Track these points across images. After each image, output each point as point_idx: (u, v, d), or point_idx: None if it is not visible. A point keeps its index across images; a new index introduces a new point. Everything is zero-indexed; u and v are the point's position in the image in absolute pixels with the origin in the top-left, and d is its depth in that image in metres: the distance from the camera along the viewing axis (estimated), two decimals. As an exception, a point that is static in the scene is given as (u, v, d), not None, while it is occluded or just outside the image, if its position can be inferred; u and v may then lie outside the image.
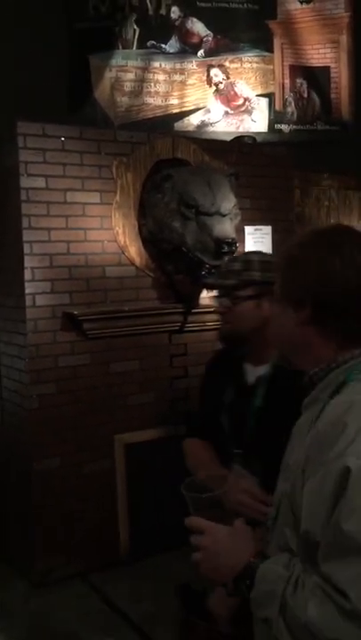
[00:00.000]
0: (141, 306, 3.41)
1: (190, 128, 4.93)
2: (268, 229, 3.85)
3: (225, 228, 3.20)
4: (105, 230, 3.32)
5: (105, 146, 3.31)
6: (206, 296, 3.54)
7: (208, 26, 4.92)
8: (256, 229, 3.79)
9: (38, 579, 3.24)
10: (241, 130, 5.00)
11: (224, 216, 3.24)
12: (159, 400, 3.53)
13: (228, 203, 3.27)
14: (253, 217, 3.79)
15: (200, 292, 3.45)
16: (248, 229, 3.77)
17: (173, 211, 3.23)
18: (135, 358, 3.45)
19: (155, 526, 3.52)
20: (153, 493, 3.51)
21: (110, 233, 3.33)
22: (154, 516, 3.51)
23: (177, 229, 3.23)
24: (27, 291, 3.13)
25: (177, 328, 3.53)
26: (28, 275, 3.12)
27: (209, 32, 4.93)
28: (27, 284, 3.12)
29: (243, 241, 3.75)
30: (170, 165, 3.43)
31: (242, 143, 4.05)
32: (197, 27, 4.91)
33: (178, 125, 4.90)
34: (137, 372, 3.46)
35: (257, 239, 3.80)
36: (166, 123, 4.83)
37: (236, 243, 3.20)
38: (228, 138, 4.53)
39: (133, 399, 3.45)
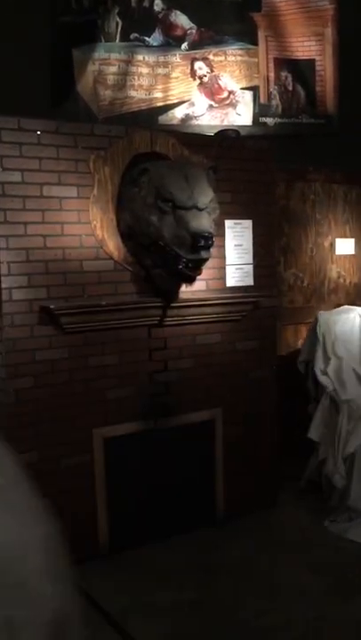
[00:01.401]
0: (120, 300, 3.41)
1: (174, 121, 4.93)
2: (248, 223, 3.84)
3: (202, 222, 3.20)
4: (82, 224, 3.31)
5: (82, 140, 3.29)
6: (186, 290, 3.55)
7: (192, 18, 4.91)
8: (236, 223, 3.79)
9: (17, 572, 3.24)
10: (225, 123, 5.00)
11: (201, 210, 3.23)
12: (138, 394, 3.54)
13: (206, 197, 3.27)
14: (234, 211, 3.79)
15: (179, 286, 3.45)
16: (228, 223, 3.77)
17: (150, 205, 3.23)
18: (114, 352, 3.45)
19: (133, 520, 3.54)
20: (132, 487, 3.52)
21: (88, 227, 3.33)
22: (133, 510, 3.53)
23: (154, 223, 3.22)
24: (3, 285, 3.12)
25: (156, 322, 3.53)
26: (4, 269, 3.12)
27: (193, 25, 4.92)
28: (3, 279, 3.12)
29: (223, 235, 3.75)
30: (148, 159, 3.42)
31: (222, 137, 4.03)
32: (181, 19, 4.90)
33: (162, 119, 4.90)
34: (116, 366, 3.46)
35: (237, 233, 3.80)
36: (150, 116, 4.83)
37: (212, 237, 3.20)
38: (213, 131, 4.53)
39: (112, 393, 3.46)
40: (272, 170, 3.97)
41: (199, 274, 3.33)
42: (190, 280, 3.36)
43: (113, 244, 3.39)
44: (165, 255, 3.24)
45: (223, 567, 3.36)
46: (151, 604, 3.05)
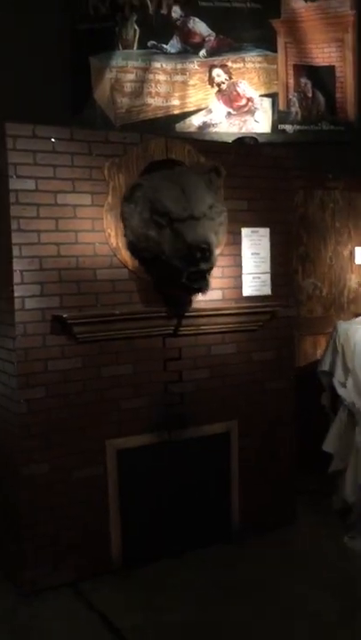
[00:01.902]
0: (134, 309, 3.36)
1: (192, 129, 4.89)
2: (265, 231, 3.77)
3: (198, 232, 3.10)
4: (96, 232, 3.27)
5: (96, 147, 3.25)
6: (201, 299, 3.49)
7: (210, 25, 4.88)
8: (253, 231, 3.72)
9: (28, 587, 3.19)
10: (244, 131, 4.95)
11: (198, 219, 3.14)
12: (153, 405, 3.47)
13: (202, 204, 3.18)
14: (251, 218, 3.72)
15: (188, 297, 3.38)
16: (245, 231, 3.70)
17: (147, 220, 3.18)
18: (128, 362, 3.39)
19: (147, 534, 3.46)
20: (146, 500, 3.45)
21: (102, 235, 3.28)
22: (146, 525, 3.46)
23: (153, 238, 3.17)
24: (16, 294, 3.08)
25: (171, 332, 3.47)
26: (17, 277, 3.08)
27: (211, 32, 4.89)
28: (16, 287, 3.08)
29: (239, 243, 3.68)
30: (163, 166, 3.37)
31: (239, 144, 3.97)
32: (199, 26, 4.87)
33: (179, 126, 4.86)
34: (129, 376, 3.40)
35: (254, 241, 3.73)
36: (167, 124, 4.80)
37: (210, 247, 3.09)
38: (231, 139, 4.47)
39: (126, 404, 3.40)
40: (290, 177, 3.90)
41: (206, 285, 3.22)
42: (197, 292, 3.30)
43: (127, 253, 3.34)
44: (168, 268, 3.18)
45: (238, 585, 3.27)
46: (162, 623, 2.96)
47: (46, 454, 3.19)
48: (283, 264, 3.86)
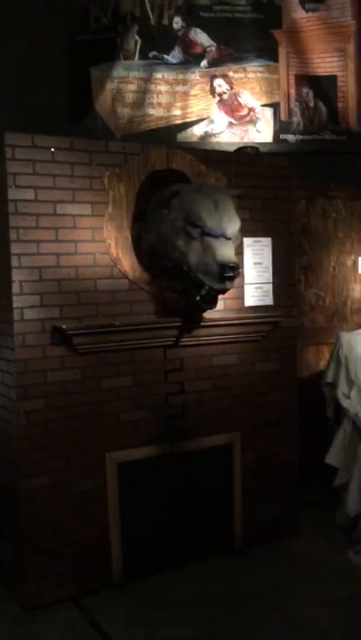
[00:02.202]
0: (134, 320, 3.32)
1: (193, 139, 4.88)
2: (267, 241, 3.74)
3: (229, 251, 3.13)
4: (96, 243, 3.24)
5: (96, 157, 3.23)
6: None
7: (211, 36, 4.87)
8: (255, 241, 3.69)
9: (29, 602, 3.14)
10: (245, 140, 4.94)
11: (229, 239, 3.16)
12: (154, 417, 3.43)
13: (234, 226, 3.20)
14: (253, 228, 3.69)
15: (197, 312, 3.35)
16: (247, 241, 3.67)
17: (179, 228, 3.16)
18: (128, 374, 3.35)
19: (148, 548, 3.41)
20: (147, 514, 3.40)
21: (102, 245, 3.26)
22: (147, 538, 3.41)
23: (180, 248, 3.15)
24: (15, 304, 3.06)
25: (172, 343, 3.43)
26: (16, 288, 3.06)
27: (212, 42, 4.88)
28: (15, 298, 3.06)
29: (241, 253, 3.65)
30: (164, 177, 3.35)
31: (241, 153, 3.95)
32: (200, 37, 4.87)
33: (180, 136, 4.85)
34: (130, 387, 3.36)
35: (256, 251, 3.70)
36: (169, 134, 4.78)
37: (239, 267, 3.12)
38: (232, 149, 4.45)
39: (126, 416, 3.35)
40: (292, 187, 3.87)
41: (213, 307, 3.26)
42: (202, 312, 3.28)
43: (128, 263, 3.31)
44: (188, 280, 3.16)
45: (240, 600, 3.21)
46: (163, 638, 2.91)
47: (46, 467, 3.15)
48: (285, 274, 3.83)
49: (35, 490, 3.12)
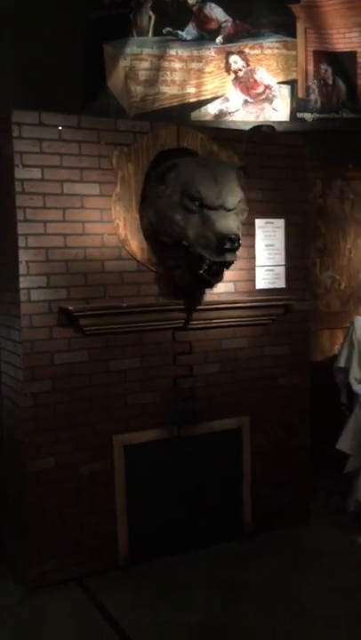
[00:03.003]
0: (142, 302, 3.28)
1: (208, 117, 4.78)
2: (280, 222, 3.65)
3: (229, 223, 3.05)
4: (104, 223, 3.19)
5: (105, 135, 3.17)
6: (213, 292, 3.40)
7: (227, 11, 4.75)
8: (267, 222, 3.61)
9: (34, 582, 3.15)
10: (261, 119, 4.83)
11: (229, 211, 3.08)
12: (161, 400, 3.40)
13: (234, 197, 3.11)
14: (265, 209, 3.61)
15: (201, 289, 3.29)
16: (259, 222, 3.59)
17: (176, 203, 3.09)
18: (136, 356, 3.32)
19: (155, 531, 3.40)
20: (154, 497, 3.39)
21: (110, 226, 3.20)
22: (154, 521, 3.39)
23: (178, 222, 3.09)
24: (21, 285, 3.03)
25: (180, 325, 3.39)
26: (22, 269, 3.03)
27: (228, 17, 4.76)
28: (21, 279, 3.03)
29: (253, 235, 3.58)
30: (174, 156, 3.27)
31: (253, 132, 3.85)
32: (216, 12, 4.75)
33: (195, 115, 4.76)
34: (137, 370, 3.33)
35: (268, 233, 3.62)
36: (182, 112, 4.69)
37: (239, 239, 3.04)
38: (247, 127, 4.35)
39: (134, 398, 3.33)
40: (306, 167, 3.77)
41: (219, 280, 3.20)
42: (209, 286, 3.22)
43: (136, 244, 3.26)
44: (189, 256, 3.10)
45: (247, 586, 3.18)
46: (169, 623, 2.89)
47: (52, 449, 3.14)
48: (298, 256, 3.75)
49: (41, 472, 3.12)
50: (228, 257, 3.05)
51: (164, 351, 3.39)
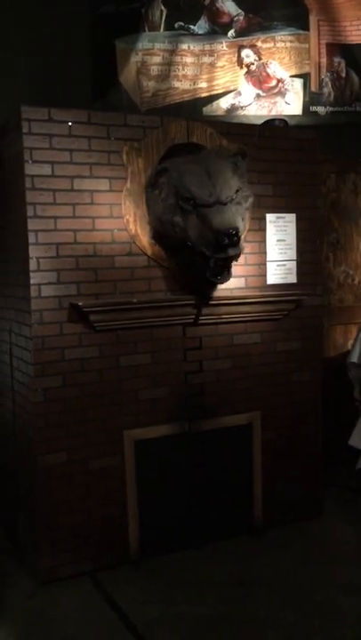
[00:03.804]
0: (153, 297, 3.28)
1: (219, 112, 4.76)
2: (291, 217, 3.63)
3: (225, 218, 3.00)
4: (115, 219, 3.20)
5: (114, 130, 3.17)
6: (223, 287, 3.39)
7: (239, 4, 4.73)
8: (279, 217, 3.59)
9: (45, 576, 3.18)
10: (274, 113, 4.80)
11: (225, 204, 3.04)
12: (172, 395, 3.40)
13: (229, 189, 3.07)
14: (276, 204, 3.59)
15: (210, 287, 3.28)
16: (270, 217, 3.57)
17: (172, 206, 3.08)
18: (146, 352, 3.32)
19: (166, 526, 3.40)
20: (164, 492, 3.39)
21: (120, 221, 3.21)
22: (165, 516, 3.40)
23: (179, 224, 3.07)
24: (32, 281, 3.04)
25: (191, 320, 3.38)
26: (33, 265, 3.04)
27: (240, 11, 4.73)
28: (32, 275, 3.04)
29: (264, 229, 3.56)
30: (185, 150, 3.26)
31: (266, 126, 3.83)
32: (228, 5, 4.73)
33: (206, 110, 4.74)
34: (148, 365, 3.33)
35: (280, 227, 3.60)
36: (194, 107, 4.67)
37: (237, 232, 2.99)
38: (260, 121, 4.33)
39: (144, 394, 3.33)
40: (318, 161, 3.74)
41: (228, 277, 3.14)
42: (219, 283, 3.20)
43: (146, 240, 3.25)
44: (194, 256, 3.08)
45: (258, 581, 3.18)
46: (180, 617, 2.90)
47: (64, 444, 3.15)
48: (310, 251, 3.72)
49: (52, 467, 3.14)
50: (231, 251, 3.01)
51: (174, 347, 3.39)
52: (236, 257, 3.11)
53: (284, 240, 3.62)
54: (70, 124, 3.07)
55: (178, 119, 3.36)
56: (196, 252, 3.05)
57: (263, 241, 3.56)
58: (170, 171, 3.09)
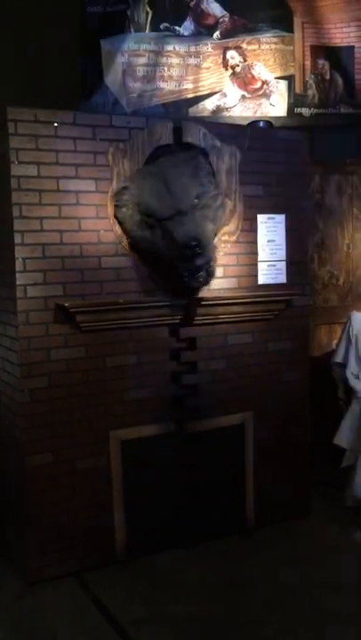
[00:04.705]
0: (139, 298, 3.28)
1: (205, 113, 4.77)
2: (281, 218, 3.65)
3: (185, 229, 3.01)
4: (101, 219, 3.20)
5: (100, 131, 3.17)
6: (215, 288, 3.40)
7: (224, 6, 4.74)
8: (269, 218, 3.60)
9: (33, 577, 3.17)
10: (259, 114, 4.82)
11: (186, 214, 3.06)
12: (158, 396, 3.40)
13: (188, 196, 3.09)
14: (266, 205, 3.60)
15: (191, 290, 3.29)
16: (260, 218, 3.58)
17: (139, 221, 3.12)
18: (133, 352, 3.32)
19: (154, 526, 3.41)
20: (152, 492, 3.40)
21: (106, 222, 3.21)
22: (153, 516, 3.40)
23: (148, 238, 3.11)
24: (18, 282, 3.03)
25: (177, 321, 3.39)
26: (19, 265, 3.03)
27: (225, 12, 4.75)
28: (18, 275, 3.03)
29: (255, 230, 3.57)
30: (170, 151, 3.27)
31: (252, 127, 3.85)
32: (213, 7, 4.74)
33: (192, 110, 4.75)
34: (134, 366, 3.33)
35: (270, 228, 3.61)
36: (180, 108, 4.68)
37: (200, 242, 3.01)
38: (245, 123, 4.35)
39: (130, 394, 3.33)
40: (305, 162, 3.77)
41: (205, 280, 3.20)
42: (199, 287, 3.25)
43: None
44: (169, 267, 3.11)
45: (247, 580, 3.19)
46: (168, 617, 2.91)
47: (50, 444, 3.15)
48: (298, 252, 3.75)
49: (39, 467, 3.13)
50: (198, 261, 3.04)
51: (160, 347, 3.40)
52: (207, 263, 3.13)
53: (274, 240, 3.64)
54: (56, 124, 3.07)
55: (163, 120, 3.37)
56: (169, 263, 3.07)
57: (255, 242, 3.58)
58: (129, 188, 3.12)
